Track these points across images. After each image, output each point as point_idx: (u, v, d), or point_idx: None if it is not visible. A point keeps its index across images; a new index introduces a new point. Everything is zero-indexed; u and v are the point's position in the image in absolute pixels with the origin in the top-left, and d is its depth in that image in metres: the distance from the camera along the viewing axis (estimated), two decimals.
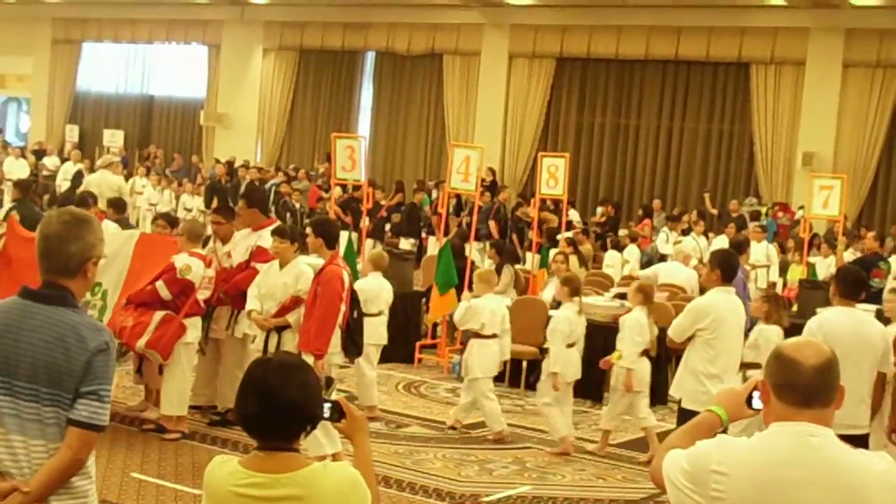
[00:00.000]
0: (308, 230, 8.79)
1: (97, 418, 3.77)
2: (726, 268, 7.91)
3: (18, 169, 25.81)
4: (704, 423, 3.47)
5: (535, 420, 10.51)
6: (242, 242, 9.84)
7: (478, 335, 10.07)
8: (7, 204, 22.85)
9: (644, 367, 9.83)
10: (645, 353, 9.84)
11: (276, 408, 3.25)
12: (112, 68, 32.33)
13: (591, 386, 11.69)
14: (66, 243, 3.85)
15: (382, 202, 22.11)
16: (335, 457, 7.88)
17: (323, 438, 7.94)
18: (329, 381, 7.88)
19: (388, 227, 22.01)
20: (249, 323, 9.30)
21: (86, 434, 3.76)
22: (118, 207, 12.86)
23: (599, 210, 22.53)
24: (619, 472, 9.34)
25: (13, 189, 15.27)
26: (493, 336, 10.13)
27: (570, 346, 9.87)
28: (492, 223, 20.18)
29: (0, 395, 3.78)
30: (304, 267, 9.00)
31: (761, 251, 17.14)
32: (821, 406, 3.16)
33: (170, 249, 9.33)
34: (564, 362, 9.74)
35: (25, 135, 33.70)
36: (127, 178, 24.75)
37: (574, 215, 21.98)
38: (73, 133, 31.08)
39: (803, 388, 3.15)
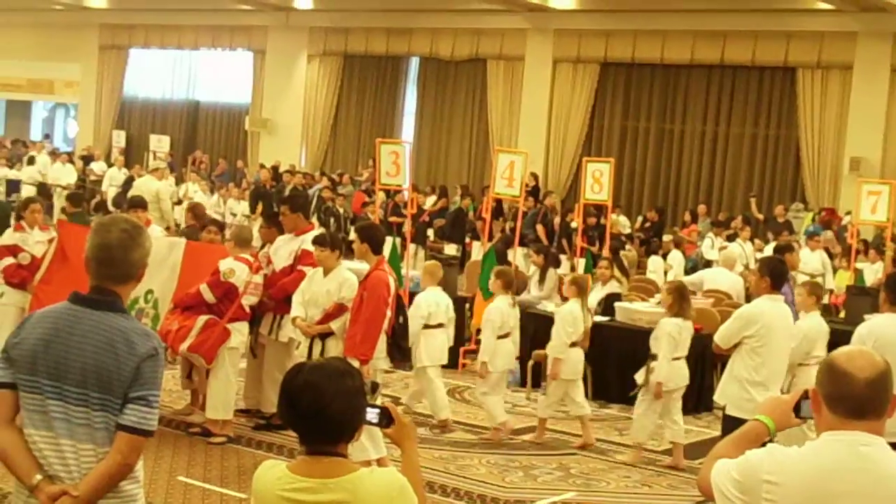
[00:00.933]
0: (354, 236, 8.81)
1: (146, 423, 3.80)
2: (776, 275, 7.85)
3: (66, 174, 26.11)
4: (752, 433, 3.45)
5: (580, 427, 10.46)
6: (284, 247, 9.88)
7: (426, 325, 10.35)
8: (57, 210, 23.16)
9: (575, 357, 10.19)
10: (575, 344, 10.20)
11: (303, 411, 3.26)
12: (158, 74, 32.60)
13: (627, 390, 11.65)
14: (129, 251, 3.90)
15: (425, 207, 22.14)
16: (380, 462, 7.89)
17: (368, 443, 7.96)
18: (374, 386, 7.90)
19: (430, 231, 22.03)
20: (294, 328, 9.34)
21: (134, 439, 3.79)
22: (75, 201, 13.58)
23: (640, 218, 22.45)
24: (665, 479, 9.29)
25: (66, 202, 15.46)
26: (440, 325, 10.49)
27: (504, 336, 10.19)
28: (539, 227, 20.17)
29: (50, 399, 3.81)
30: (348, 274, 9.02)
31: (816, 259, 17.00)
32: (874, 417, 3.13)
33: (218, 256, 9.38)
34: (495, 353, 10.11)
35: (73, 140, 34.06)
36: (177, 182, 25.01)
37: (623, 221, 21.94)
38: (119, 139, 31.39)
39: (855, 400, 3.12)
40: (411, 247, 18.10)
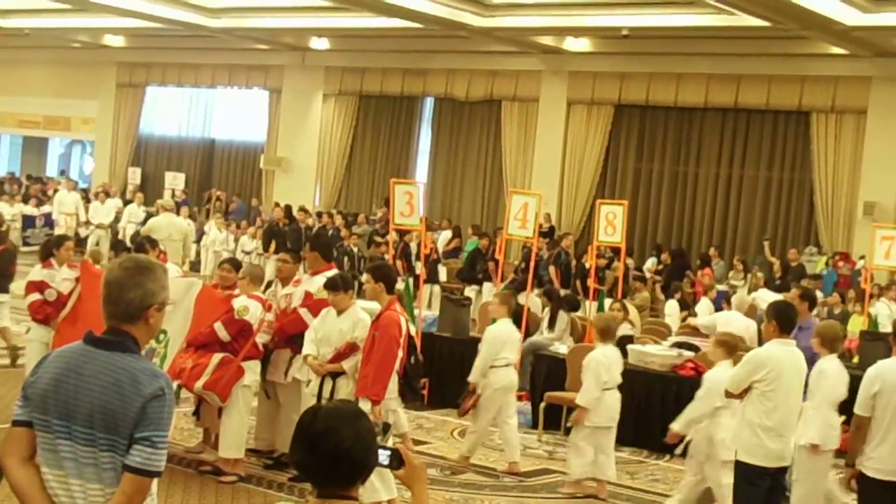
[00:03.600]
0: (367, 276, 8.82)
1: (150, 464, 3.78)
2: (784, 319, 7.83)
3: (104, 213, 26.15)
4: None
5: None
6: (302, 287, 9.92)
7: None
8: (90, 248, 23.31)
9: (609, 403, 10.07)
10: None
11: (324, 455, 3.26)
12: (174, 112, 32.82)
13: (647, 435, 11.61)
14: (125, 290, 3.90)
15: (436, 242, 22.12)
16: (390, 503, 7.87)
17: (378, 484, 7.94)
18: (386, 427, 7.91)
19: (442, 269, 22.02)
20: (299, 367, 9.36)
21: (139, 480, 3.78)
22: None
23: (652, 260, 22.40)
24: None
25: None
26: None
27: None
28: (552, 269, 20.17)
29: (60, 439, 3.82)
30: (362, 314, 9.02)
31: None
32: None
33: (225, 306, 9.35)
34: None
35: (89, 177, 34.24)
36: (194, 220, 25.15)
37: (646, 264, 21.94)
38: (135, 175, 31.56)
39: None
40: (425, 287, 18.14)
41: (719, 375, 8.70)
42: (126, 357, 3.85)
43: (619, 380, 10.08)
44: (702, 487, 9.08)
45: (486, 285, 20.11)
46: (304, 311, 9.54)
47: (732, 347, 9.22)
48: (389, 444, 3.83)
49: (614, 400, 10.04)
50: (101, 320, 3.97)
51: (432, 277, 20.73)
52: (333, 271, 9.93)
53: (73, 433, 3.80)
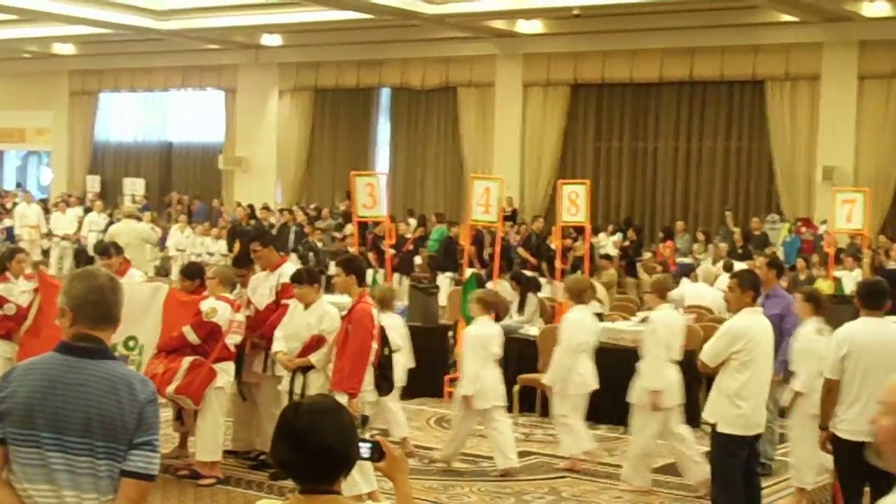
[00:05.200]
0: (337, 269, 8.79)
1: (151, 468, 3.85)
2: (752, 289, 7.90)
3: (65, 224, 25.91)
4: None
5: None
6: (263, 284, 9.86)
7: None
8: (54, 259, 23.10)
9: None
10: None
11: (311, 451, 3.26)
12: (130, 117, 32.61)
13: (622, 411, 11.66)
14: (118, 294, 3.99)
15: (408, 235, 22.13)
16: (372, 496, 7.87)
17: (358, 477, 7.93)
18: (364, 420, 7.91)
19: (417, 259, 22.02)
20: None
21: (143, 484, 3.84)
22: None
23: (618, 236, 22.47)
24: (657, 497, 9.29)
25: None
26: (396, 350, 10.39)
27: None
28: (521, 250, 20.21)
29: (50, 451, 3.79)
30: (328, 307, 9.04)
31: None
32: None
33: (192, 309, 9.30)
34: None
35: (47, 188, 33.96)
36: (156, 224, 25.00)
37: (606, 241, 21.97)
38: (94, 184, 31.32)
39: None
40: (395, 276, 18.14)
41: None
42: (114, 364, 3.89)
43: (679, 355, 9.89)
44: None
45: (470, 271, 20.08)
46: (289, 301, 9.48)
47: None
48: (367, 436, 3.83)
49: (590, 366, 10.12)
50: (59, 330, 3.98)
51: (405, 268, 20.75)
52: (291, 263, 9.92)
53: (65, 445, 3.78)
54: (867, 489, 7.35)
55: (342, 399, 7.97)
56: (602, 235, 22.27)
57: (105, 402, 3.78)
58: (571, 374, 10.03)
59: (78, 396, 3.79)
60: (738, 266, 17.05)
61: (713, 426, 7.92)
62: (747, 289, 7.93)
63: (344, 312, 8.77)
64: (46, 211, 27.16)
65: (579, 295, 10.35)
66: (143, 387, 3.86)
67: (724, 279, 15.70)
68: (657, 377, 9.32)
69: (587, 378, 10.16)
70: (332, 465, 3.30)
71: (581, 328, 10.12)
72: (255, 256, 10.08)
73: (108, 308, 3.94)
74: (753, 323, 7.80)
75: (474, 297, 10.43)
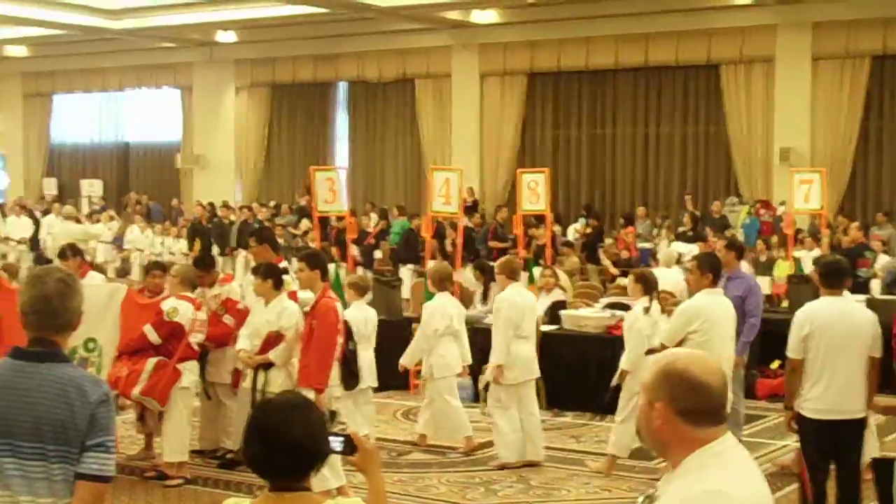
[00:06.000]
0: (301, 264, 8.76)
1: (106, 470, 3.81)
2: (712, 270, 7.95)
3: (22, 228, 25.67)
4: None
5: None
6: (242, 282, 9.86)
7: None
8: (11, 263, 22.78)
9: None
10: None
11: (282, 448, 3.24)
12: (86, 118, 32.35)
13: (587, 397, 11.73)
14: (67, 300, 3.92)
15: (368, 230, 22.11)
16: (340, 490, 7.86)
17: (327, 472, 7.89)
18: (333, 415, 7.90)
19: (378, 253, 22.00)
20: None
21: (98, 486, 3.80)
22: None
23: (582, 221, 22.54)
24: (625, 482, 9.33)
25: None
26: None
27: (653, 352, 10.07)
28: (494, 244, 20.24)
29: (3, 457, 3.78)
30: (288, 303, 9.02)
31: None
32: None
33: (149, 312, 9.23)
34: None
35: (2, 192, 33.63)
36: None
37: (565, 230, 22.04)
38: (50, 186, 31.05)
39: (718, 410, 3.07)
40: (359, 270, 18.10)
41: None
42: (64, 367, 3.85)
43: (531, 331, 10.11)
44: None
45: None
46: (256, 304, 9.45)
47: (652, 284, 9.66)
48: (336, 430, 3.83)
49: (531, 352, 10.05)
50: (23, 335, 3.94)
51: (367, 262, 20.72)
52: (283, 264, 9.90)
53: (17, 450, 3.76)
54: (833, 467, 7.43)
55: (308, 395, 7.97)
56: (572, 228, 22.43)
57: (54, 406, 3.75)
58: (433, 358, 10.27)
59: (27, 401, 3.77)
60: (685, 248, 17.21)
61: None
62: (706, 271, 7.98)
63: (307, 308, 8.75)
64: (3, 215, 26.91)
65: (441, 282, 10.52)
66: (94, 388, 3.83)
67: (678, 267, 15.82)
68: (502, 353, 9.60)
69: (450, 360, 10.33)
70: (303, 461, 3.29)
71: (440, 315, 10.29)
72: (251, 253, 10.07)
73: (55, 316, 3.89)
74: (710, 303, 7.85)
75: (347, 283, 10.62)
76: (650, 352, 9.36)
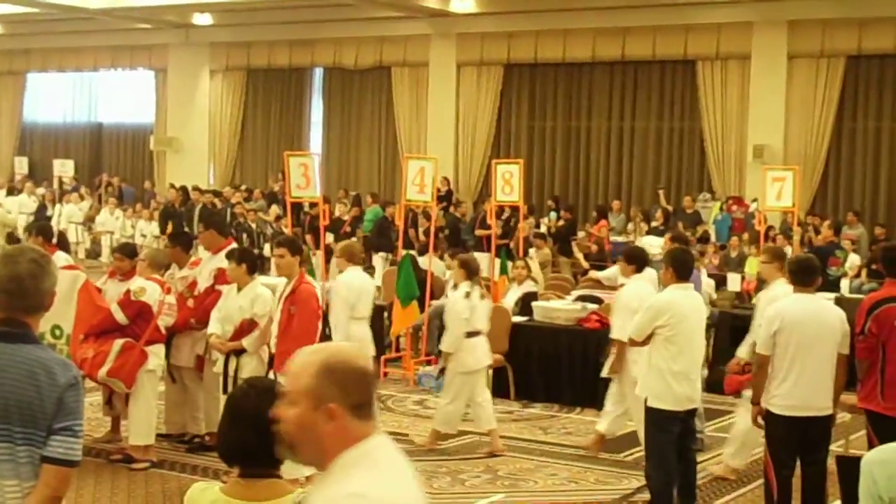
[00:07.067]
0: (283, 249, 8.70)
1: (72, 454, 3.77)
2: (679, 265, 7.96)
3: None
4: None
5: (505, 427, 10.51)
6: (206, 267, 9.79)
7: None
8: None
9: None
10: None
11: (265, 435, 3.22)
12: (59, 98, 32.13)
13: (557, 389, 11.75)
14: (39, 281, 3.86)
15: (345, 217, 22.03)
16: (310, 479, 7.83)
17: None
18: None
19: (354, 240, 21.93)
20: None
21: (63, 470, 3.76)
22: None
23: (553, 215, 22.56)
24: (592, 474, 9.35)
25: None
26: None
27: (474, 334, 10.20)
28: (480, 232, 20.21)
29: None
30: (261, 289, 8.99)
31: None
32: None
33: (102, 312, 9.13)
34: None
35: None
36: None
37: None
38: (22, 165, 30.80)
39: None
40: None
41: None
42: (34, 348, 3.81)
43: (366, 313, 10.73)
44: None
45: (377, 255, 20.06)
46: (224, 288, 9.42)
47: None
48: None
49: (367, 333, 10.58)
50: None
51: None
52: (233, 246, 9.85)
53: None
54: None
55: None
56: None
57: (22, 387, 3.72)
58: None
59: None
60: (652, 243, 17.25)
61: (645, 401, 7.98)
62: (668, 265, 8.01)
63: (278, 293, 8.72)
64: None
65: (352, 257, 10.83)
66: (63, 371, 3.78)
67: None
68: (341, 333, 9.98)
69: (364, 343, 10.42)
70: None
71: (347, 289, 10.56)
72: (200, 239, 10.04)
73: (26, 297, 3.84)
74: (679, 298, 7.86)
75: (340, 249, 11.07)
76: (469, 335, 9.80)
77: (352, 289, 10.33)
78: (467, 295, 9.80)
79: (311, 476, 7.92)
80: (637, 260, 9.70)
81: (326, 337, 8.83)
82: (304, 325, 8.31)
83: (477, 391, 9.87)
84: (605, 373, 9.97)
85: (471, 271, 9.96)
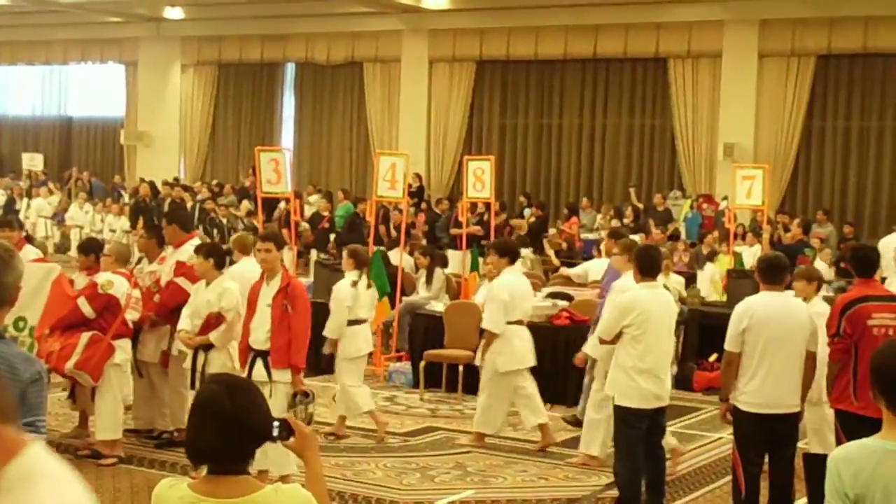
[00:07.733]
0: (269, 244, 8.66)
1: None
2: (641, 262, 7.98)
3: None
4: None
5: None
6: (168, 261, 9.77)
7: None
8: None
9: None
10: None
11: (236, 431, 3.21)
12: (28, 91, 31.93)
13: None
14: (3, 275, 3.80)
15: (324, 213, 21.96)
16: (284, 479, 7.80)
17: (277, 455, 7.84)
18: (308, 395, 7.86)
19: (333, 236, 21.90)
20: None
21: None
22: None
23: (527, 212, 22.58)
24: (561, 471, 9.37)
25: None
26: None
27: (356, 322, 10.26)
28: (455, 231, 20.19)
29: None
30: (228, 283, 8.96)
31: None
32: None
33: (73, 303, 9.08)
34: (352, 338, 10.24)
35: None
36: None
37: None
38: None
39: None
40: (313, 252, 18.09)
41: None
42: None
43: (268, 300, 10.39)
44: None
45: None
46: (181, 280, 9.42)
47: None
48: (310, 411, 3.84)
49: (364, 331, 10.39)
50: None
51: (320, 245, 20.63)
52: (195, 241, 9.83)
53: None
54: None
55: (284, 376, 8.14)
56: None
57: None
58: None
59: None
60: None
61: (613, 399, 8.00)
62: (635, 263, 8.04)
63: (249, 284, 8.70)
64: None
65: (242, 248, 10.46)
66: (27, 366, 3.74)
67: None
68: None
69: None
70: (252, 444, 3.28)
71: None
72: (164, 233, 10.03)
73: None
74: (646, 297, 7.88)
75: (347, 253, 10.73)
76: (352, 322, 10.01)
77: (245, 280, 9.95)
78: (354, 284, 10.17)
79: (286, 476, 7.92)
80: (358, 258, 10.39)
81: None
82: (300, 319, 8.37)
83: (355, 378, 10.16)
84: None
85: (359, 262, 10.37)
